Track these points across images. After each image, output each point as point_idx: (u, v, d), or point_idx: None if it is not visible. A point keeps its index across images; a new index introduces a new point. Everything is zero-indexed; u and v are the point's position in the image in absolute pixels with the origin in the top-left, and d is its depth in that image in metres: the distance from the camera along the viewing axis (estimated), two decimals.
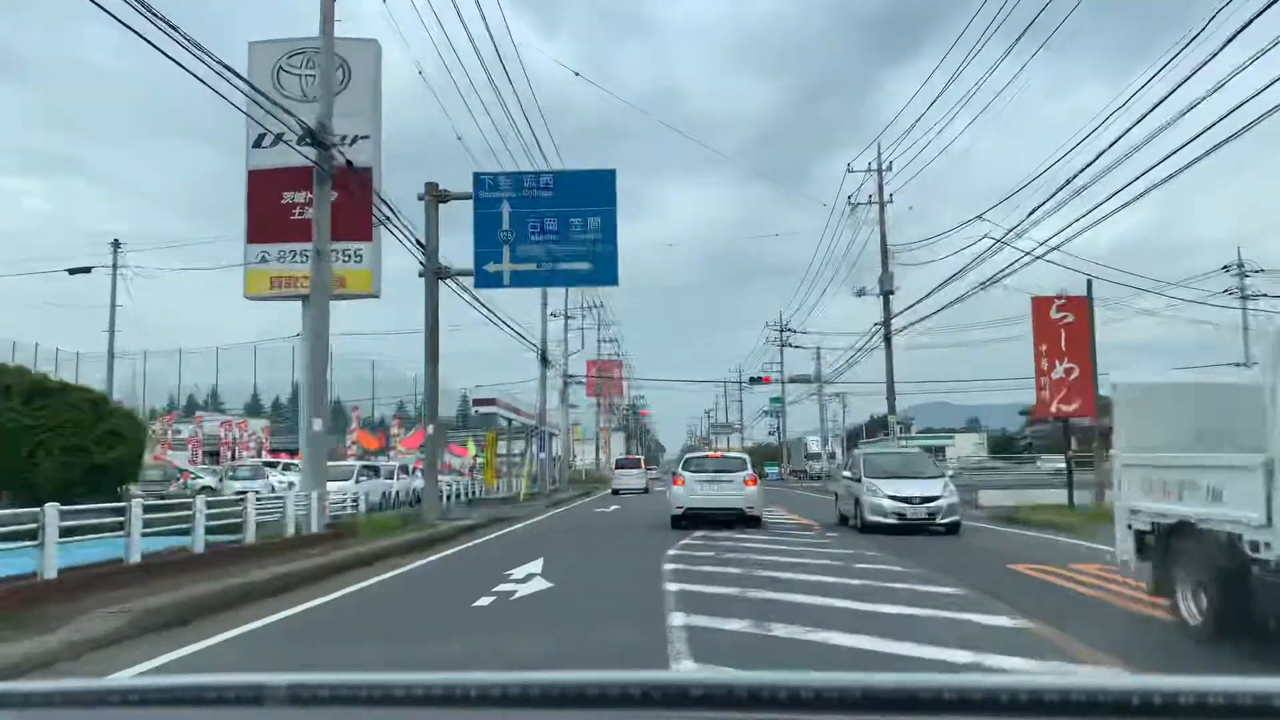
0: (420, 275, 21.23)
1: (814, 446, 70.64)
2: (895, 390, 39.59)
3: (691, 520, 17.46)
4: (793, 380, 58.03)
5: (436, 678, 1.15)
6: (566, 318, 55.30)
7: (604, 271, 21.07)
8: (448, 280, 21.69)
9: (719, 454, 23.94)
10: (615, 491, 41.98)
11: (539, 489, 37.03)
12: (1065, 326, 21.46)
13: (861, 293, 38.66)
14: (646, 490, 42.83)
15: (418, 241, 20.89)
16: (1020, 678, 1.13)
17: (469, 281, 21.97)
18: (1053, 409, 21.33)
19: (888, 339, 37.21)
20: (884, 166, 38.75)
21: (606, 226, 20.86)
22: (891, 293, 37.36)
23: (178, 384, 71.10)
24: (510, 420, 36.16)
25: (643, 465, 45.20)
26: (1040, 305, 21.60)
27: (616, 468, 44.19)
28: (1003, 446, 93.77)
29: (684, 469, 18.95)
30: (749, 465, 19.37)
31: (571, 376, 56.95)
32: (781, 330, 63.00)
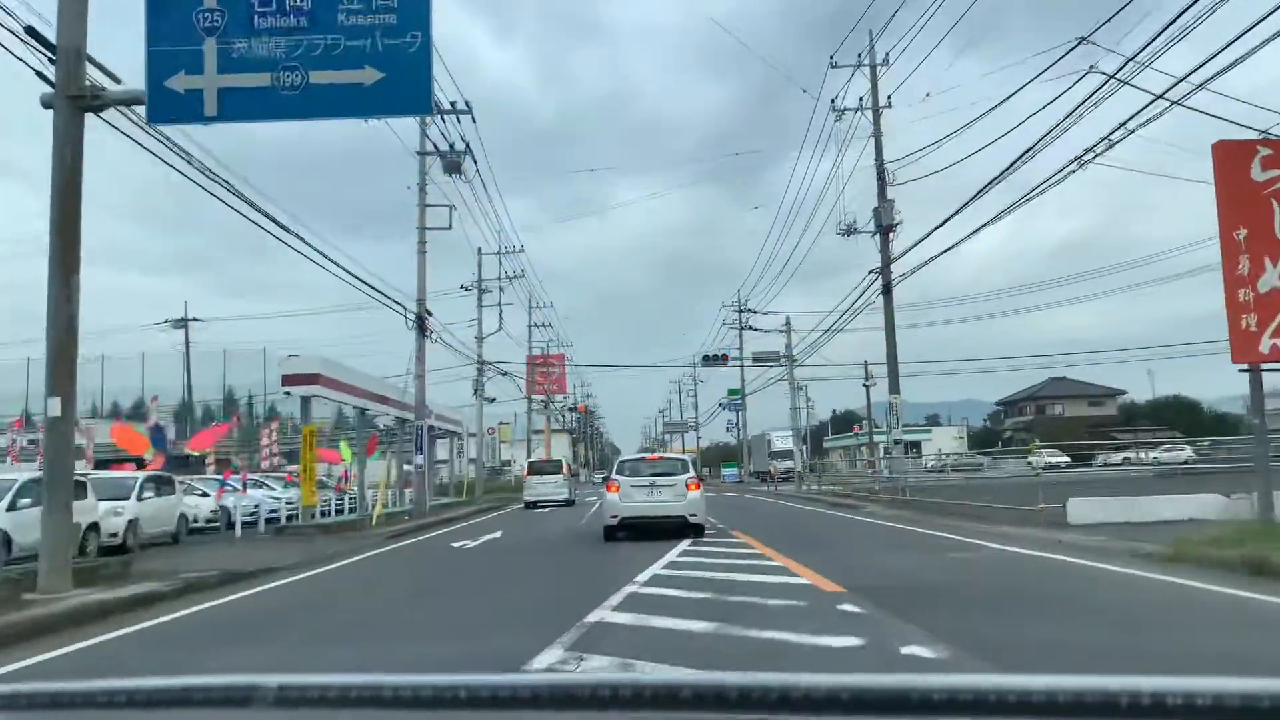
0: (45, 105, 10.79)
1: (780, 443, 60.20)
2: (880, 371, 29.94)
3: (631, 530, 16.05)
4: (756, 361, 47.95)
5: (427, 679, 1.13)
6: (480, 290, 45.34)
7: (405, 86, 10.58)
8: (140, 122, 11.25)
9: (657, 455, 21.33)
10: (529, 505, 31.61)
11: (413, 507, 26.53)
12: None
13: (850, 231, 28.73)
14: (571, 502, 32.55)
15: (30, 31, 10.45)
16: (1011, 678, 1.05)
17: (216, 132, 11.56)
18: (1263, 347, 11.48)
19: (887, 288, 27.20)
20: (878, 61, 29.18)
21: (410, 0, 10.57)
22: (892, 228, 27.50)
23: (100, 388, 63.02)
24: (364, 410, 25.63)
25: (564, 470, 34.42)
26: (1230, 157, 11.70)
27: (529, 474, 33.55)
28: (984, 440, 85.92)
29: (618, 474, 17.24)
30: (691, 468, 17.56)
31: (488, 363, 46.67)
32: (740, 310, 53.13)
